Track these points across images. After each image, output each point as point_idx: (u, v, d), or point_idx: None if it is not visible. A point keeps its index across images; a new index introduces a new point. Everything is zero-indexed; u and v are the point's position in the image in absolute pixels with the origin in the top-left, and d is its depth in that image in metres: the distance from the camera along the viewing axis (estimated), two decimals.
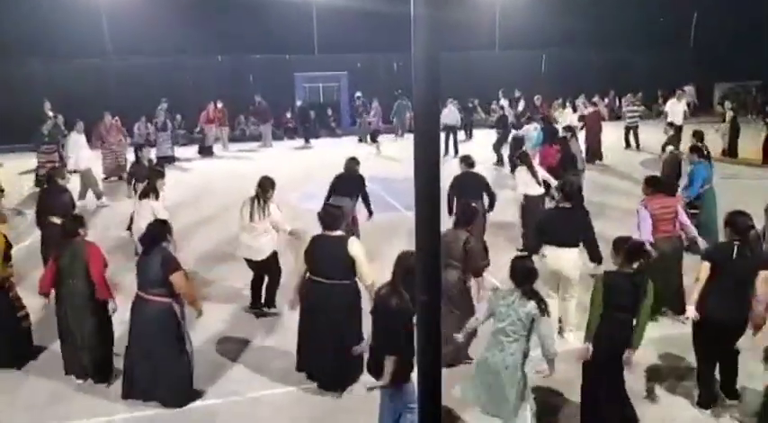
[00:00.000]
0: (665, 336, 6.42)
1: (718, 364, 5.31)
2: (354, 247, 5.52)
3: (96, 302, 5.63)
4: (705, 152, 9.37)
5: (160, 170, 8.71)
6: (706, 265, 5.06)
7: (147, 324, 5.28)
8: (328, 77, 23.49)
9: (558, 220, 6.43)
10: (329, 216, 5.74)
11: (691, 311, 5.11)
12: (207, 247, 9.74)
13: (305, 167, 16.14)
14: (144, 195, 7.80)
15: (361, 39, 21.85)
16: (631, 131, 17.99)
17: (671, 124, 15.17)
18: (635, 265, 4.74)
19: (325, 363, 5.55)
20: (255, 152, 19.54)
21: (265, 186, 7.02)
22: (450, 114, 17.93)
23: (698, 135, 10.21)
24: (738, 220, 5.11)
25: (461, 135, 19.62)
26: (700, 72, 24.80)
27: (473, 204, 6.79)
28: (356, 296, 5.58)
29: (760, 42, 24.76)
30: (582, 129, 16.20)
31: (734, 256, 5.01)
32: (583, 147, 16.44)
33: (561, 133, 11.73)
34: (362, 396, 4.71)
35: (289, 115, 22.23)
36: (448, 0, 16.84)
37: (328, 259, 5.49)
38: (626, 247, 4.79)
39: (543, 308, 4.40)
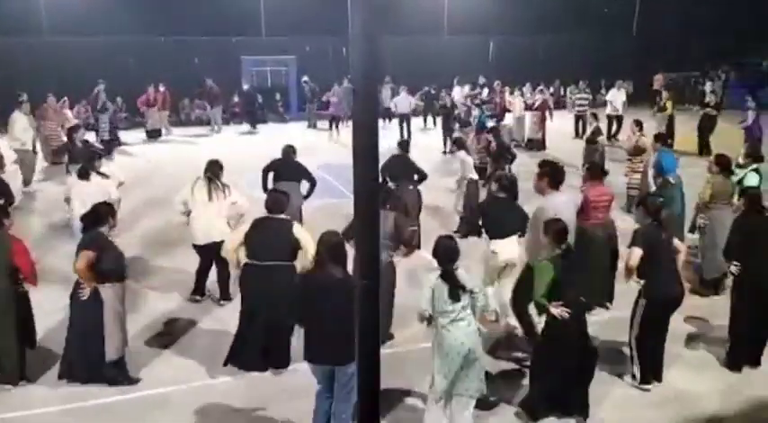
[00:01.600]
0: (598, 319, 6.58)
1: (650, 348, 5.49)
2: (298, 228, 5.70)
3: (18, 298, 5.44)
4: (669, 140, 9.62)
5: (95, 151, 8.44)
6: (638, 251, 5.22)
7: (80, 309, 5.31)
8: (276, 61, 23.11)
9: (499, 212, 6.54)
10: (274, 200, 5.84)
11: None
12: (151, 233, 9.59)
13: (252, 153, 15.91)
14: (80, 177, 7.57)
15: (310, 22, 21.53)
16: (581, 120, 18.36)
17: (595, 115, 15.32)
18: (563, 246, 4.96)
19: (267, 343, 5.66)
20: (203, 137, 19.14)
21: (215, 169, 6.97)
22: (402, 101, 17.93)
23: (638, 124, 10.61)
24: (648, 202, 5.42)
25: (422, 123, 19.74)
26: (643, 61, 25.46)
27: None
28: (294, 277, 5.56)
29: (701, 33, 25.66)
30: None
31: (662, 237, 5.30)
32: (527, 135, 16.89)
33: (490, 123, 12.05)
34: (309, 377, 4.73)
35: (235, 99, 21.83)
36: None
37: (273, 242, 5.56)
38: (554, 229, 4.99)
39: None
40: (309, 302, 4.48)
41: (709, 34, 25.70)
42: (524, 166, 12.46)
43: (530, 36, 25.43)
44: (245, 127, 20.62)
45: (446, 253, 4.61)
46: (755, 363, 5.82)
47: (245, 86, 21.49)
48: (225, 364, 5.71)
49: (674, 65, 25.64)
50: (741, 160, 8.20)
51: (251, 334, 5.67)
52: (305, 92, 20.72)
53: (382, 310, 5.22)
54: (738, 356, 5.81)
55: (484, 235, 6.48)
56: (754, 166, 7.90)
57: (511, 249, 6.41)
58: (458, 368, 4.52)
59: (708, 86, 24.09)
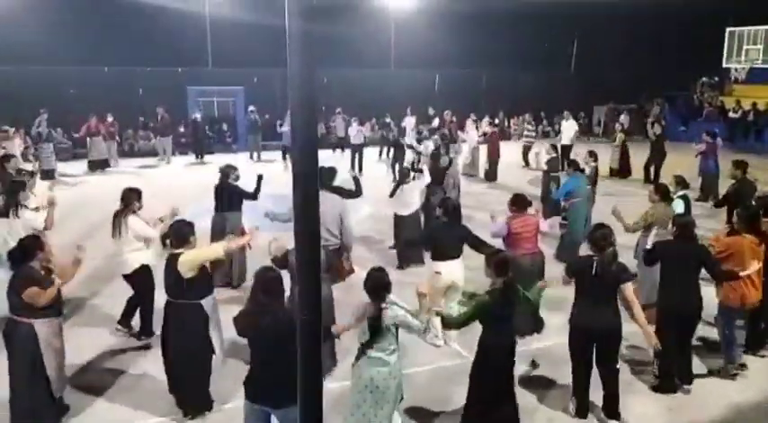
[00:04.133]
0: (536, 348, 6.72)
1: (602, 383, 5.44)
2: (182, 258, 5.29)
3: None
4: (581, 167, 10.04)
5: (20, 181, 7.96)
6: (563, 279, 5.36)
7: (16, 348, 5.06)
8: (223, 92, 23.01)
9: (443, 236, 6.67)
10: (176, 234, 5.49)
11: None
12: (86, 266, 9.20)
13: (198, 184, 15.69)
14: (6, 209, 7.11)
15: (258, 53, 21.54)
16: (528, 150, 18.78)
17: (554, 146, 15.84)
18: (504, 277, 4.93)
19: (182, 383, 5.47)
20: (150, 168, 18.83)
21: (129, 198, 6.73)
22: (355, 133, 18.07)
23: (591, 154, 11.06)
24: (596, 235, 5.28)
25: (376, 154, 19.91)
26: (581, 95, 26.43)
27: None
28: (198, 315, 5.37)
29: (633, 68, 26.88)
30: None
31: (594, 270, 5.16)
32: (483, 164, 17.15)
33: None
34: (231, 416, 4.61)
35: (182, 130, 21.56)
36: (327, 14, 17.11)
37: (170, 278, 5.33)
38: (495, 261, 5.00)
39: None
40: (250, 341, 4.35)
41: (641, 69, 26.93)
42: (483, 195, 12.76)
43: (474, 69, 26.16)
44: (193, 157, 20.36)
45: (376, 286, 4.54)
46: (689, 381, 5.95)
47: (196, 116, 21.26)
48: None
49: (610, 98, 26.75)
50: (672, 188, 8.45)
51: (170, 372, 5.50)
52: (253, 121, 20.64)
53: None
54: (667, 380, 5.93)
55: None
56: (681, 193, 8.17)
57: (453, 270, 6.50)
58: (368, 406, 4.48)
59: (653, 113, 25.25)
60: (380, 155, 20.40)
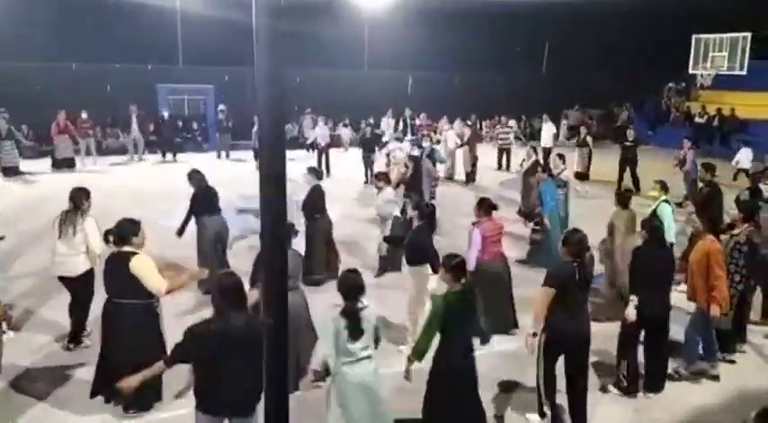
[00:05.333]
0: (500, 351, 6.70)
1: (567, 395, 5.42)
2: (135, 261, 5.16)
3: None
4: (553, 173, 10.14)
5: None
6: (550, 290, 5.10)
7: None
8: (194, 90, 22.71)
9: (421, 239, 6.62)
10: (119, 230, 5.29)
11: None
12: (34, 270, 8.82)
13: (168, 183, 15.48)
14: None
15: (229, 51, 21.30)
16: (504, 153, 18.87)
17: (534, 149, 15.90)
18: (462, 281, 4.86)
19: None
20: (119, 166, 18.53)
21: (78, 198, 6.51)
22: (320, 133, 17.92)
23: (561, 157, 11.04)
24: (573, 240, 5.25)
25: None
26: (552, 98, 26.69)
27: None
28: (148, 316, 5.25)
29: (603, 72, 27.25)
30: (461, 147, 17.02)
31: (577, 276, 5.12)
32: (461, 167, 17.17)
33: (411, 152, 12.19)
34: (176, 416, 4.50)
35: (151, 128, 21.23)
36: (298, 13, 17.08)
37: (116, 277, 5.16)
38: (451, 265, 4.86)
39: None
40: (203, 349, 4.08)
41: (610, 74, 27.32)
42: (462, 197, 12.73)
43: (446, 71, 26.26)
44: (162, 156, 20.07)
45: (350, 288, 4.50)
46: (656, 389, 6.03)
47: (166, 114, 20.95)
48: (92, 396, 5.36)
49: (579, 102, 27.10)
50: (656, 193, 8.44)
51: (108, 375, 5.17)
52: (220, 121, 20.39)
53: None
54: (632, 382, 5.99)
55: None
56: (664, 197, 8.26)
57: (431, 276, 6.50)
58: (360, 412, 4.43)
59: (621, 118, 25.65)
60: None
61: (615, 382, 6.07)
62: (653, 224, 6.11)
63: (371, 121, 19.94)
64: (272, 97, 2.16)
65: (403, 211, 9.36)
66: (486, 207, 7.11)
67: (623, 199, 7.87)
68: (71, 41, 19.90)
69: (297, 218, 7.55)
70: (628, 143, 16.12)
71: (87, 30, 20.05)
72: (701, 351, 6.38)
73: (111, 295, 5.21)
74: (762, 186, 8.16)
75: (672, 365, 6.32)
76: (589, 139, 17.38)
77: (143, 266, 5.14)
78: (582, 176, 16.86)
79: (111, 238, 5.37)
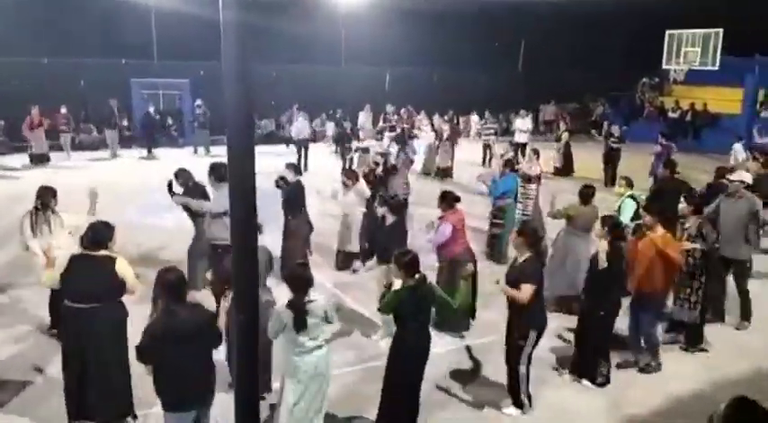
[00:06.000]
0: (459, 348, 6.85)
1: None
2: (121, 265, 5.09)
3: None
4: (516, 168, 10.26)
5: None
6: (531, 288, 5.22)
7: None
8: (169, 85, 22.47)
9: (390, 235, 6.72)
10: (97, 233, 5.13)
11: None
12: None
13: (147, 179, 15.37)
14: None
15: (205, 45, 21.07)
16: (488, 149, 18.92)
17: (513, 144, 16.03)
18: (416, 276, 4.91)
19: (96, 398, 5.05)
20: (99, 161, 18.31)
21: (47, 197, 6.46)
22: (300, 128, 17.81)
23: (535, 152, 11.21)
24: (528, 230, 5.49)
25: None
26: (528, 94, 26.89)
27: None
28: (124, 315, 5.19)
29: (577, 68, 27.50)
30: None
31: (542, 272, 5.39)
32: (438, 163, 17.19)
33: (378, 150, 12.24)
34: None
35: (125, 123, 21.00)
36: (273, 8, 16.99)
37: (94, 281, 4.98)
38: (404, 261, 4.89)
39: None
40: (160, 348, 4.10)
41: (585, 69, 27.59)
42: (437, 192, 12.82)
43: (424, 68, 26.31)
44: (139, 152, 19.85)
45: (298, 282, 4.55)
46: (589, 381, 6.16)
47: (151, 109, 20.77)
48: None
49: (555, 97, 27.33)
50: (621, 189, 8.48)
51: (78, 383, 5.07)
52: (198, 116, 20.19)
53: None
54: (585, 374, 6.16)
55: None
56: (630, 193, 8.32)
57: None
58: (308, 402, 4.56)
59: (596, 113, 25.88)
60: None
61: (591, 377, 6.16)
62: (614, 221, 6.21)
63: (339, 115, 19.88)
64: (241, 92, 2.18)
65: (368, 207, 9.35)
66: (449, 200, 7.19)
67: (585, 196, 7.89)
68: (44, 36, 19.55)
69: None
70: (613, 140, 16.16)
71: (60, 24, 19.72)
72: (643, 343, 6.49)
73: (81, 299, 4.95)
74: (725, 181, 8.29)
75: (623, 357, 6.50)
76: (565, 135, 17.52)
77: (128, 269, 5.11)
78: (562, 173, 17.03)
79: (84, 241, 5.20)
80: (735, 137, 16.04)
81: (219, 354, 4.58)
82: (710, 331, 7.25)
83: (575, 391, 6.05)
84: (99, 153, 19.43)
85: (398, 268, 4.91)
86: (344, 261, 9.27)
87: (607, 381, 6.13)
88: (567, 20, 24.68)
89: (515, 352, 5.47)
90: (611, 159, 16.06)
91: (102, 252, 5.10)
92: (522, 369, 5.48)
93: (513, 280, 5.34)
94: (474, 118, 25.14)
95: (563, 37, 26.82)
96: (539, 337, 5.46)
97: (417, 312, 4.89)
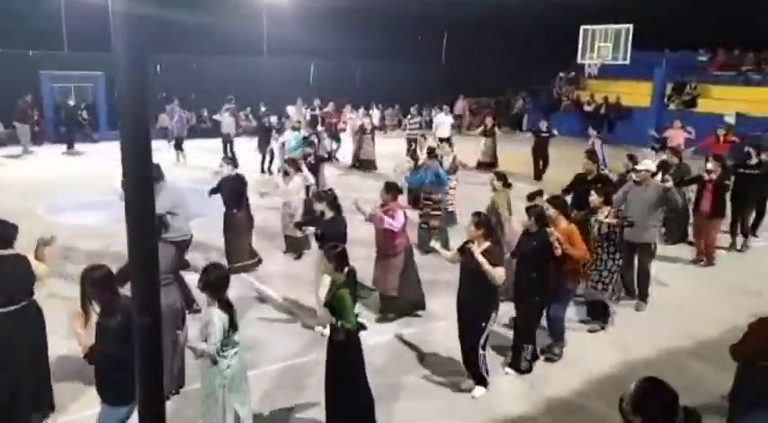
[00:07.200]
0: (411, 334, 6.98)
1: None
2: (33, 262, 5.01)
3: None
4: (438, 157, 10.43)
5: None
6: (503, 270, 5.52)
7: None
8: (81, 77, 21.44)
9: (330, 229, 6.76)
10: (5, 231, 4.96)
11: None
12: None
13: (62, 176, 14.67)
14: None
15: None
16: (413, 143, 18.97)
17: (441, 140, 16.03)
18: (345, 270, 4.92)
19: (23, 399, 4.91)
20: (11, 159, 17.41)
21: None
22: (225, 123, 17.40)
23: (450, 144, 11.57)
24: (486, 223, 5.73)
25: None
26: (450, 88, 27.28)
27: None
28: (41, 313, 5.09)
29: (498, 63, 28.12)
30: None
31: None
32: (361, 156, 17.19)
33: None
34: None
35: (35, 117, 19.92)
36: None
37: (12, 280, 4.85)
38: (334, 255, 4.91)
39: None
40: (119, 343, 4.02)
41: (507, 64, 28.25)
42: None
43: (348, 61, 26.24)
44: (57, 147, 19.09)
45: (219, 283, 4.41)
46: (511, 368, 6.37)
47: (71, 102, 19.88)
48: None
49: (476, 91, 27.87)
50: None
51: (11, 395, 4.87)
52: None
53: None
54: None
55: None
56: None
57: None
58: (245, 398, 4.52)
59: (517, 107, 26.45)
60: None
61: (512, 363, 6.32)
62: (539, 211, 6.37)
63: (263, 109, 19.59)
64: (133, 83, 2.06)
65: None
66: (394, 190, 7.35)
67: (503, 180, 8.30)
68: None
69: (183, 208, 7.35)
70: (542, 134, 16.50)
71: None
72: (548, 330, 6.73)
73: (8, 302, 4.82)
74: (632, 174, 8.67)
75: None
76: (496, 129, 17.74)
77: (38, 265, 5.00)
78: (488, 166, 17.27)
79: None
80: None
81: None
82: (625, 314, 7.70)
83: (496, 376, 6.16)
84: (9, 149, 18.44)
85: (328, 261, 4.89)
86: (291, 245, 9.64)
87: (530, 368, 6.29)
88: (488, 14, 25.13)
89: (477, 334, 5.64)
90: (539, 152, 16.43)
91: (10, 250, 4.94)
92: (482, 351, 5.71)
93: (477, 267, 5.47)
94: (390, 112, 25.36)
95: (484, 32, 27.32)
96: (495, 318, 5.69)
97: (354, 304, 4.88)
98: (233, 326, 4.39)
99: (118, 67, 2.02)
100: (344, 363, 4.93)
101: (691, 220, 10.51)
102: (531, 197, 7.58)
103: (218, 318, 4.30)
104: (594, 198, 7.15)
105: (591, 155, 9.51)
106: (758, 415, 4.11)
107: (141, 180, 2.12)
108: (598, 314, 7.35)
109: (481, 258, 5.42)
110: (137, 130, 2.10)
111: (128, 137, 2.09)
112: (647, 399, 2.74)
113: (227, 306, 4.39)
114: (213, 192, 8.83)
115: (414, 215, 9.98)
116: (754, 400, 4.15)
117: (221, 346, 4.31)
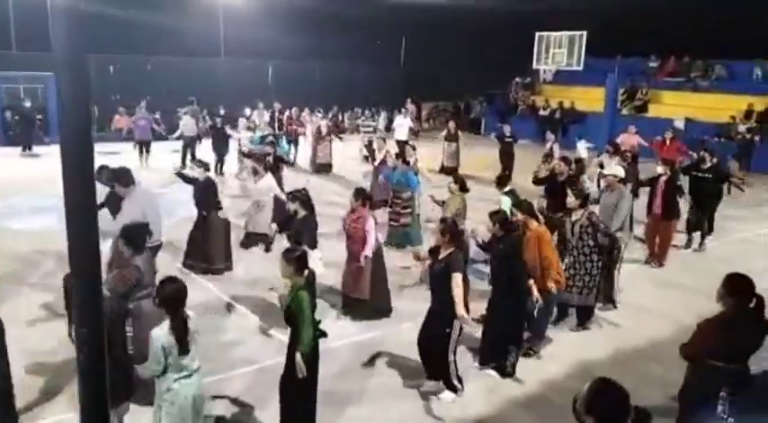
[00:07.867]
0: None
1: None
2: None
3: None
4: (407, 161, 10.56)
5: None
6: (460, 277, 5.53)
7: None
8: (30, 78, 20.79)
9: (304, 228, 6.90)
10: None
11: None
12: None
13: (17, 178, 14.19)
14: None
15: None
16: (370, 144, 18.87)
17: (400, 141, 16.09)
18: (305, 274, 4.82)
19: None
20: None
21: None
22: (187, 125, 17.04)
23: (413, 148, 11.81)
24: (452, 228, 5.75)
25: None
26: (409, 91, 27.39)
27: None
28: None
29: (456, 68, 28.36)
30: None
31: None
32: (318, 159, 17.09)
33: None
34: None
35: None
36: None
37: None
38: (295, 257, 4.78)
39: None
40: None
41: (464, 69, 28.52)
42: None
43: (307, 62, 26.12)
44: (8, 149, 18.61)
45: (174, 295, 4.17)
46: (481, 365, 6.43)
47: (28, 104, 19.34)
48: None
49: (435, 95, 28.06)
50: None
51: None
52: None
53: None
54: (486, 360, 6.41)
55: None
56: (507, 188, 8.74)
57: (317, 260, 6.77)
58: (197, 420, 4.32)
59: (475, 111, 26.63)
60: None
61: (497, 366, 6.32)
62: (502, 216, 6.38)
63: (222, 112, 19.35)
64: (73, 83, 1.98)
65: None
66: (364, 195, 7.43)
67: (460, 183, 8.57)
68: None
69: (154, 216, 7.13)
70: (507, 138, 16.67)
71: None
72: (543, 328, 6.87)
73: None
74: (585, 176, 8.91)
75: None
76: (454, 133, 17.82)
77: None
78: (453, 170, 17.33)
79: None
80: (576, 136, 17.14)
81: None
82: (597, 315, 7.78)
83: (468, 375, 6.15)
84: None
85: (288, 265, 4.73)
86: (252, 241, 9.62)
87: (513, 372, 6.30)
88: (447, 19, 25.34)
89: (444, 341, 5.61)
90: (504, 156, 16.58)
91: None
92: (452, 356, 5.68)
93: (440, 272, 5.52)
94: (349, 114, 25.37)
95: (442, 36, 27.53)
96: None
97: (314, 308, 4.81)
98: (183, 349, 4.11)
99: (58, 64, 1.94)
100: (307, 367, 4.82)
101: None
102: (499, 181, 8.14)
103: (157, 337, 4.05)
104: (572, 200, 7.28)
105: (564, 158, 9.84)
106: (705, 414, 4.21)
107: (81, 183, 2.03)
108: (584, 317, 7.48)
109: (456, 291, 5.44)
110: (79, 131, 2.02)
111: (69, 138, 2.01)
112: (599, 399, 2.78)
113: (180, 326, 4.13)
114: (187, 181, 8.90)
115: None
116: (702, 399, 4.25)
117: (161, 369, 4.07)
